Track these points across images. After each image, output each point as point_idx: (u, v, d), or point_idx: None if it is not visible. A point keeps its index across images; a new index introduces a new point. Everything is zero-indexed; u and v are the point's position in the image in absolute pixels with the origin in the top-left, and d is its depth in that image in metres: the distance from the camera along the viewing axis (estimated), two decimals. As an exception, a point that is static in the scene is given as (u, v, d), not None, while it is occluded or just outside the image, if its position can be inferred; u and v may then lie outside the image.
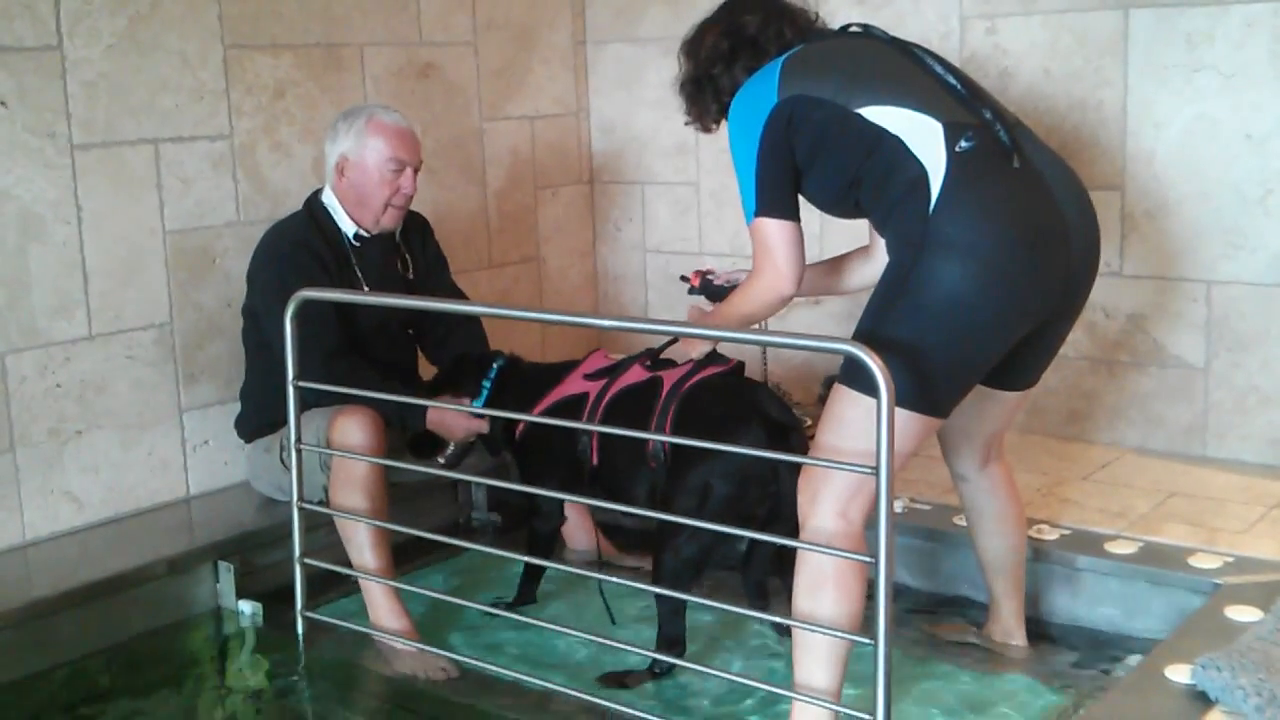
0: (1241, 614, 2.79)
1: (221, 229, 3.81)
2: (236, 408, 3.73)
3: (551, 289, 4.96)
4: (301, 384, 3.16)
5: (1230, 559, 3.09)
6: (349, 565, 3.28)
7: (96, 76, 3.50)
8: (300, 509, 3.23)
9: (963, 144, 2.50)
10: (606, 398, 3.16)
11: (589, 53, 5.00)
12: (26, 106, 3.38)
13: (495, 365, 3.47)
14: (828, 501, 2.52)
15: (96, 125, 3.51)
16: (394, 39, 4.28)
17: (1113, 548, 3.20)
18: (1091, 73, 3.90)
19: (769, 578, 3.15)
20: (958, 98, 2.60)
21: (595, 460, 3.18)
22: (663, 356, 3.22)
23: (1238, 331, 3.77)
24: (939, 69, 2.65)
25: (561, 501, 3.36)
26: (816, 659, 2.53)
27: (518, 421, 3.34)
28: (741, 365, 3.14)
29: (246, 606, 3.38)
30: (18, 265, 3.38)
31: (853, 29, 2.80)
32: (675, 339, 3.15)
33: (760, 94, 2.66)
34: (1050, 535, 3.28)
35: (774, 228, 2.65)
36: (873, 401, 2.30)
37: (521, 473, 3.46)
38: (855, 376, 2.47)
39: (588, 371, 3.29)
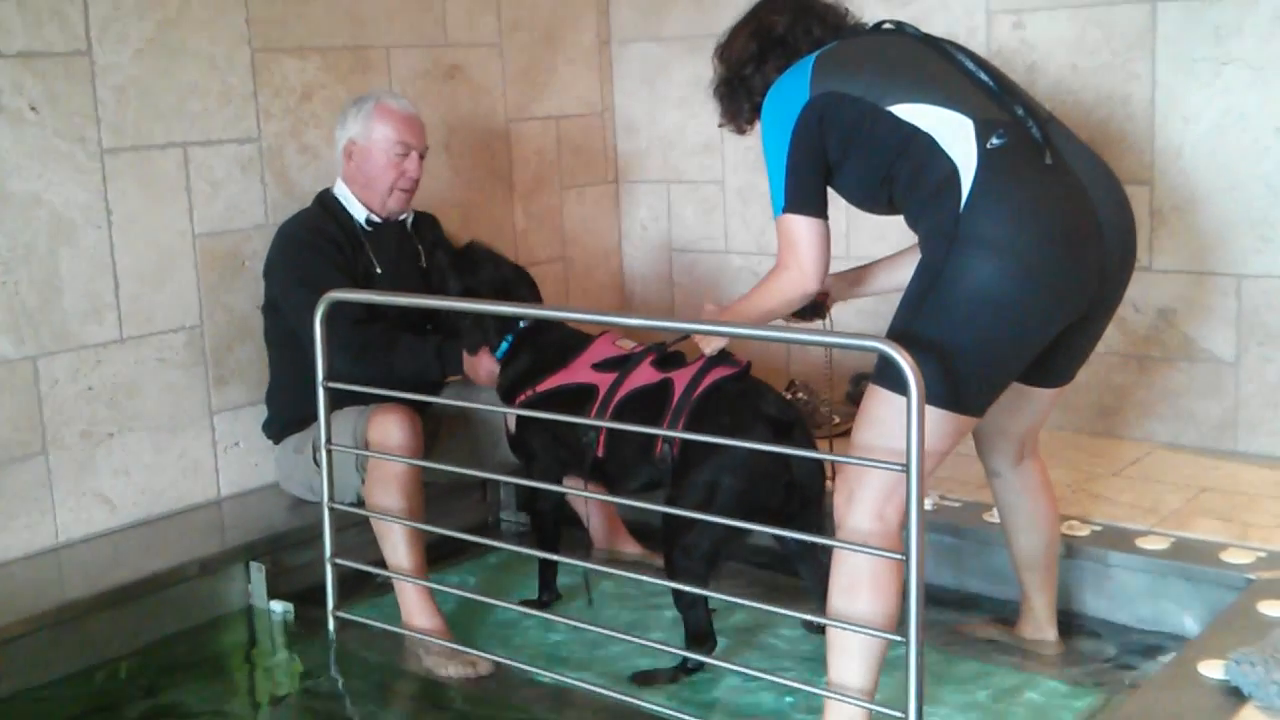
0: (1275, 609, 2.78)
1: (250, 231, 3.83)
2: (265, 409, 3.75)
3: (578, 288, 4.97)
4: (332, 385, 3.17)
5: (1263, 554, 3.06)
6: (380, 564, 3.30)
7: (125, 81, 3.53)
8: (331, 509, 3.24)
9: (994, 140, 2.49)
10: (617, 398, 3.17)
11: (613, 52, 5.00)
12: (56, 111, 3.40)
13: (520, 323, 3.47)
14: (864, 502, 2.51)
15: (126, 129, 3.54)
16: (420, 41, 4.29)
17: (1144, 543, 3.18)
18: (1119, 66, 3.89)
19: (811, 559, 3.15)
20: (990, 94, 2.59)
21: (600, 453, 3.20)
22: (673, 349, 3.23)
23: (1269, 325, 3.75)
24: (970, 65, 2.64)
25: (558, 479, 3.38)
26: (851, 659, 2.52)
27: (525, 386, 3.35)
28: (748, 366, 3.14)
29: (278, 606, 3.41)
30: (49, 269, 3.40)
31: (886, 26, 2.80)
32: (687, 335, 3.15)
33: (792, 90, 2.66)
34: (1082, 531, 3.26)
35: (801, 224, 2.65)
36: (904, 400, 2.29)
37: (520, 444, 3.45)
38: (889, 376, 2.47)
39: (596, 360, 3.30)
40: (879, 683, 2.55)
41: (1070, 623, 3.21)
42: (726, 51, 2.91)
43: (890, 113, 2.56)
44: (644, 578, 3.04)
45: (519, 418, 3.42)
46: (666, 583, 3.00)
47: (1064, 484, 3.59)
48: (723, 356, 3.11)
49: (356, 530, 3.40)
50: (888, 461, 2.42)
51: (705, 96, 3.03)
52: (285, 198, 3.90)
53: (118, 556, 3.42)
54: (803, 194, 2.65)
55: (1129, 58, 3.86)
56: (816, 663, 3.03)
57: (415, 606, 3.25)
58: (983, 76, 2.62)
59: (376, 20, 4.15)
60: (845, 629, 2.50)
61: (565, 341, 3.43)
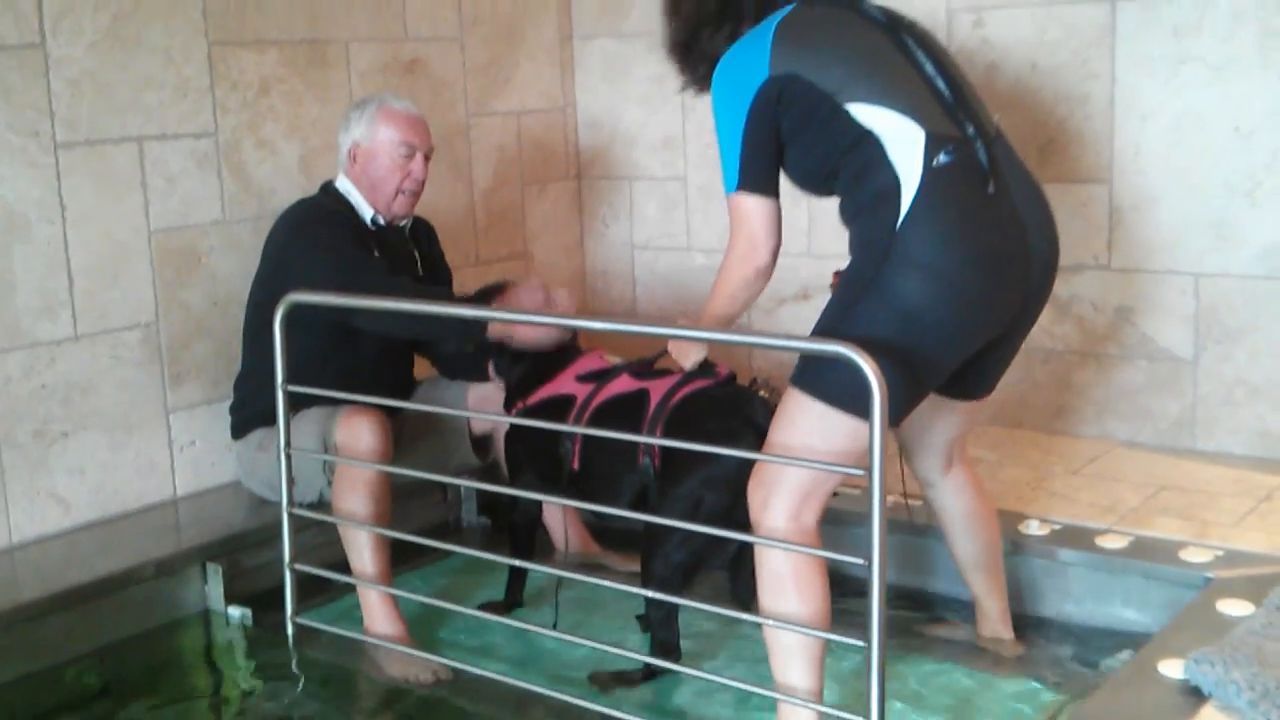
0: (1233, 608, 2.79)
1: (207, 227, 3.79)
2: (224, 408, 3.70)
3: (539, 285, 4.93)
4: (293, 388, 3.13)
5: (1221, 552, 3.08)
6: (340, 564, 3.26)
7: (80, 74, 3.48)
8: (291, 515, 3.20)
9: (941, 158, 2.47)
10: (592, 405, 3.14)
11: (575, 48, 4.98)
12: (9, 105, 3.35)
13: None
14: (779, 505, 2.52)
15: (80, 123, 3.49)
16: (380, 35, 4.26)
17: (1103, 542, 3.20)
18: (1079, 65, 3.90)
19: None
20: (944, 104, 2.56)
21: (576, 465, 3.16)
22: (658, 365, 3.18)
23: (1226, 324, 3.77)
24: (930, 69, 2.59)
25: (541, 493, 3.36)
26: (792, 660, 2.53)
27: (517, 398, 3.33)
28: (733, 375, 3.10)
29: (235, 611, 3.37)
30: (2, 265, 3.35)
31: None
32: (664, 353, 3.10)
33: (750, 64, 2.58)
34: (1040, 530, 3.28)
35: (753, 203, 2.63)
36: (822, 405, 2.43)
37: (505, 458, 3.45)
38: (807, 379, 2.50)
39: (580, 372, 3.27)
40: (824, 680, 2.55)
41: (1030, 622, 3.22)
42: (676, 12, 2.81)
43: (847, 110, 2.52)
44: (620, 586, 3.00)
45: (508, 434, 3.42)
46: (642, 591, 2.96)
47: (1022, 482, 3.61)
48: (704, 369, 3.06)
49: (316, 530, 3.37)
50: (842, 465, 2.42)
51: (667, 93, 3.01)
52: (243, 193, 3.86)
53: (72, 557, 3.37)
54: (756, 173, 2.62)
55: (1088, 56, 3.88)
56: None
57: (378, 612, 3.22)
58: (940, 84, 2.58)
59: (335, 13, 4.11)
60: (806, 634, 2.50)
61: (556, 355, 3.39)
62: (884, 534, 2.29)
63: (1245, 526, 3.24)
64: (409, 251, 3.70)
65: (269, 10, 3.91)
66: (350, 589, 3.30)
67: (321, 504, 3.34)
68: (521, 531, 3.42)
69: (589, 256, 5.14)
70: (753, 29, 2.65)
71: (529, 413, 3.27)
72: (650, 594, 2.93)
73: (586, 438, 3.13)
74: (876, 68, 2.58)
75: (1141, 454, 3.85)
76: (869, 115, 2.51)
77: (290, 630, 3.24)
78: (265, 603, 3.36)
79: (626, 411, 3.07)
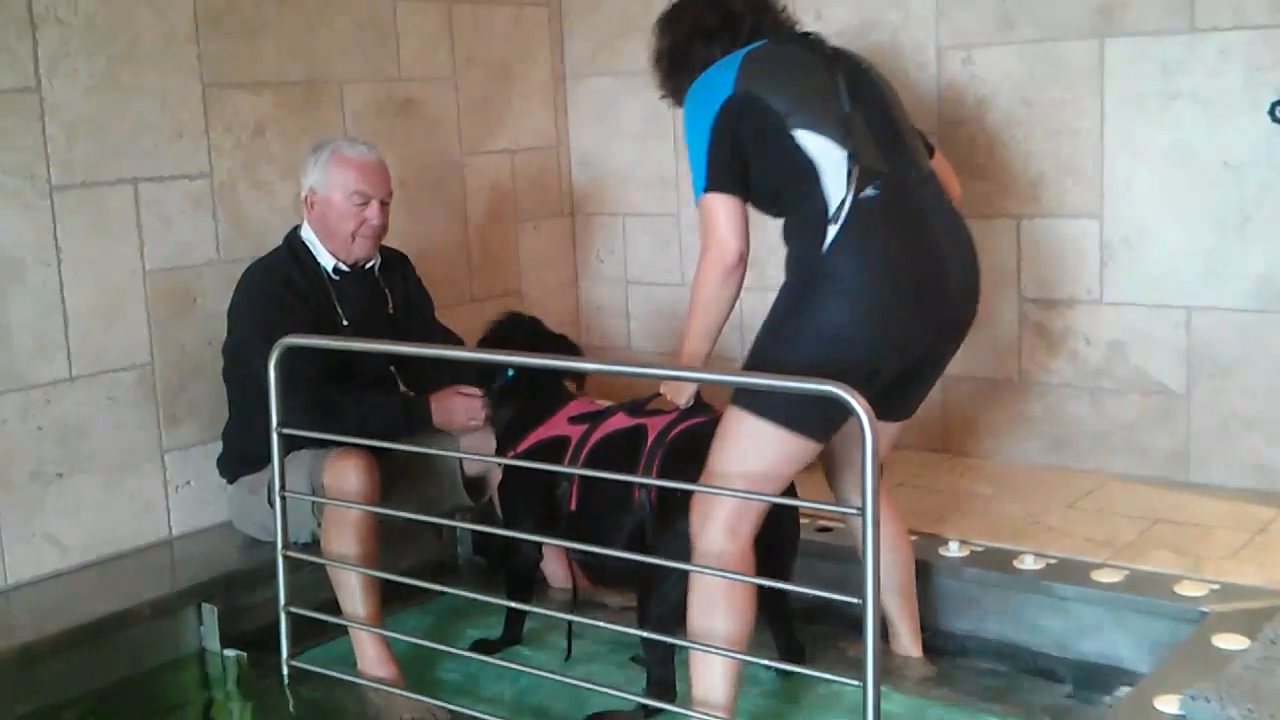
0: (1229, 642, 2.79)
1: (202, 268, 3.80)
2: (218, 448, 3.71)
3: (534, 322, 4.94)
4: (286, 431, 3.13)
5: (1216, 586, 3.09)
6: (335, 604, 3.25)
7: (75, 118, 3.49)
8: (285, 557, 3.19)
9: (869, 190, 2.64)
10: (590, 443, 3.15)
11: (568, 86, 5.01)
12: (5, 148, 3.36)
13: (510, 372, 3.46)
14: (719, 520, 2.65)
15: (75, 166, 3.50)
16: (374, 75, 4.28)
17: (1099, 576, 3.20)
18: (1069, 101, 3.93)
19: (794, 630, 3.16)
20: (880, 143, 2.71)
21: (573, 505, 3.17)
22: (650, 406, 3.19)
23: (1218, 357, 3.79)
24: (871, 110, 2.75)
25: (538, 541, 3.36)
26: (715, 675, 2.65)
27: (509, 446, 3.33)
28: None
29: (230, 653, 3.36)
30: (-3, 308, 3.37)
31: (812, 38, 2.90)
32: (658, 394, 3.15)
33: (718, 82, 2.75)
34: (1036, 565, 3.28)
35: (719, 201, 2.74)
36: (762, 422, 2.58)
37: (500, 505, 3.45)
38: (746, 397, 2.63)
39: (572, 415, 3.28)
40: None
41: (1025, 657, 3.23)
42: (677, 23, 2.97)
43: (793, 135, 2.68)
44: (622, 628, 3.01)
45: (502, 480, 3.43)
46: (638, 632, 2.97)
47: (1017, 517, 3.61)
48: (699, 407, 3.08)
49: (311, 569, 3.35)
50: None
51: (659, 131, 3.05)
52: (237, 234, 3.87)
53: (68, 598, 3.37)
54: (722, 175, 2.74)
55: (1078, 93, 3.91)
56: (776, 700, 3.03)
57: (371, 654, 3.21)
58: (878, 125, 2.74)
59: (330, 54, 4.13)
60: (809, 674, 2.51)
61: (545, 402, 3.40)
62: (878, 573, 2.30)
63: (1240, 560, 3.25)
64: (380, 291, 3.67)
65: (263, 52, 3.94)
66: (345, 629, 3.29)
67: (314, 544, 3.33)
68: (519, 577, 3.41)
69: (583, 293, 5.15)
70: (730, 55, 2.80)
71: (522, 458, 3.27)
72: (646, 634, 2.93)
73: (585, 476, 3.13)
74: (824, 103, 2.72)
75: (1136, 488, 3.86)
76: (811, 143, 2.66)
77: (285, 673, 3.22)
78: (261, 641, 3.34)
79: (625, 447, 3.08)
